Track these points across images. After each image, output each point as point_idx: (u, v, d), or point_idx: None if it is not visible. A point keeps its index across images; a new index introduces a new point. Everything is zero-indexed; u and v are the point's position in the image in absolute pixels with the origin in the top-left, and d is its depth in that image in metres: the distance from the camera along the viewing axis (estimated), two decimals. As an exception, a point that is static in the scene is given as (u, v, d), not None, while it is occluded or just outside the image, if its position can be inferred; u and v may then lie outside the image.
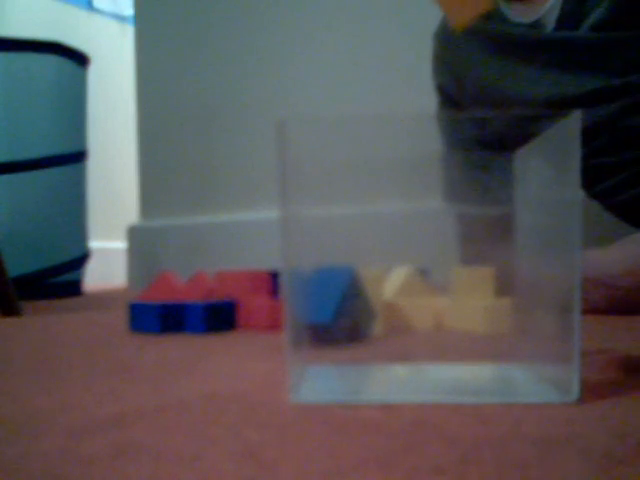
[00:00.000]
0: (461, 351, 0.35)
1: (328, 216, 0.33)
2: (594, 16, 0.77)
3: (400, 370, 0.34)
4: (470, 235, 0.34)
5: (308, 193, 0.32)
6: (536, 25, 0.82)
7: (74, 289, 1.46)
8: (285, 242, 0.29)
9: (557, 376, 0.29)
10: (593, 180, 0.80)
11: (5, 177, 1.35)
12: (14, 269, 1.10)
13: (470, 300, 0.36)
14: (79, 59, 1.47)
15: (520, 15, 0.84)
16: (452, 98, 0.92)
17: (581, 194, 0.25)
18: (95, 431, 0.25)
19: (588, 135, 0.76)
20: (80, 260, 1.48)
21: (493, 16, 0.84)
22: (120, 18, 2.46)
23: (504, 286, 0.34)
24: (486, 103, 0.84)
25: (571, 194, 0.27)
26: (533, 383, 0.32)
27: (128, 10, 2.35)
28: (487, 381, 0.33)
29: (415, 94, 0.91)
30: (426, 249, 0.35)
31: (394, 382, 0.33)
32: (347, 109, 1.32)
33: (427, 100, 0.93)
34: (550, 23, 0.81)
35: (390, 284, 0.37)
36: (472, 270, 0.36)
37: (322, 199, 0.32)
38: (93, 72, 1.61)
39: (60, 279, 1.41)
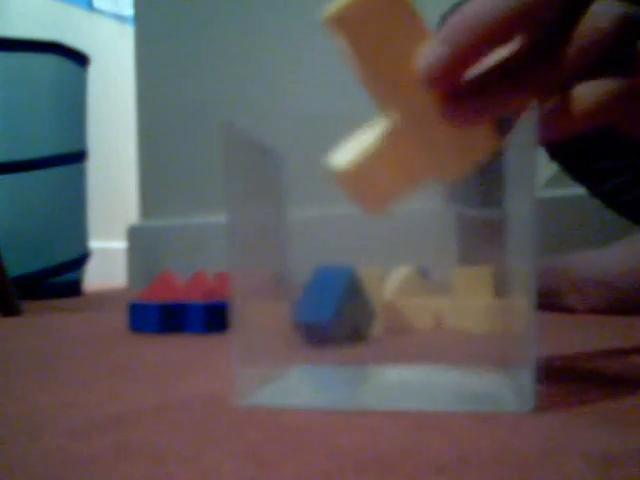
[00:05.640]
0: (459, 352, 0.35)
1: (328, 216, 0.33)
2: None
3: (390, 374, 0.34)
4: (468, 235, 0.34)
5: (308, 193, 0.32)
6: None
7: (74, 289, 1.46)
8: (232, 247, 0.29)
9: (523, 382, 0.27)
10: (597, 180, 0.80)
11: (5, 177, 1.35)
12: (14, 269, 1.10)
13: (470, 300, 0.36)
14: (79, 59, 1.46)
15: None
16: None
17: (536, 194, 0.24)
18: (95, 431, 0.25)
19: (592, 139, 0.75)
20: (80, 260, 1.48)
21: None
22: (120, 18, 2.46)
23: (501, 286, 0.34)
24: None
25: (527, 193, 0.26)
26: (495, 390, 0.31)
27: (128, 10, 2.35)
28: (446, 386, 0.32)
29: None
30: (426, 249, 0.35)
31: (381, 388, 0.32)
32: (346, 109, 1.32)
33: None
34: None
35: (390, 284, 0.37)
36: (472, 270, 0.36)
37: (322, 199, 0.32)
38: (93, 72, 1.61)
39: (60, 279, 1.41)
